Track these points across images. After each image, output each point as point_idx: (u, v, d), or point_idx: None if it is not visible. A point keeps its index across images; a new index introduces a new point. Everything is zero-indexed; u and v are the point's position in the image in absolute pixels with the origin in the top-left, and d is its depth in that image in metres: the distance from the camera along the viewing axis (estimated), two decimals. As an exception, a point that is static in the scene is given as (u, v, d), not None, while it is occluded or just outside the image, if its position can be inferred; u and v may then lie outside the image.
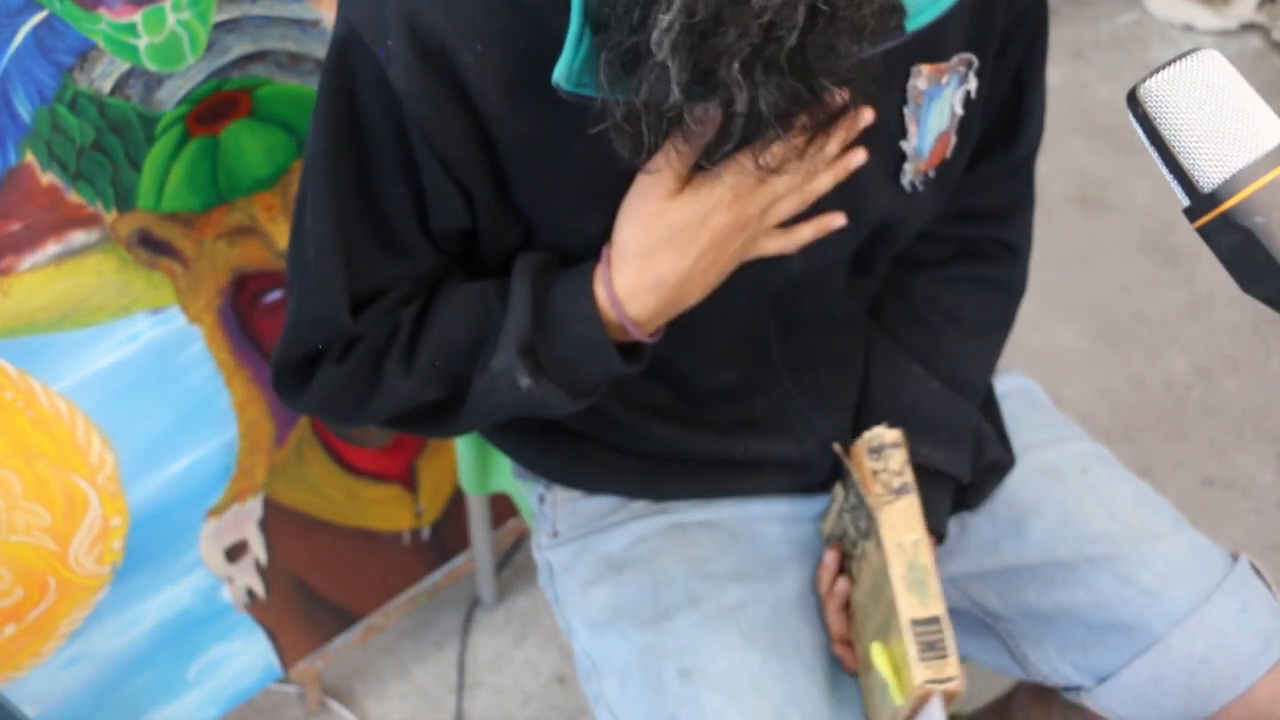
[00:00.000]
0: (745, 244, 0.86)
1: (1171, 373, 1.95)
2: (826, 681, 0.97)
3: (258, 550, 1.34)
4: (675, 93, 0.67)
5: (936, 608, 0.88)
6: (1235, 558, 1.00)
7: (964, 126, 0.92)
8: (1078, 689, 1.02)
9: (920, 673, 0.85)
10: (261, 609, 1.38)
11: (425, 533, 1.51)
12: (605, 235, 0.86)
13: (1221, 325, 2.02)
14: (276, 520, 1.34)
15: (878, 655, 0.91)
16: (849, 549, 1.00)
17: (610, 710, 1.00)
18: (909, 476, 0.94)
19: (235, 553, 1.33)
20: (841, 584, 0.99)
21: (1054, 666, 1.02)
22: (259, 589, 1.37)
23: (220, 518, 1.29)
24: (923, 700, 0.86)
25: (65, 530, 1.16)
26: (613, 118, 0.72)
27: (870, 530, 0.94)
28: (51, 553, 1.17)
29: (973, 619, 1.06)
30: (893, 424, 0.99)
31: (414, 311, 0.91)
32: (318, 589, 1.43)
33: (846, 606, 1.00)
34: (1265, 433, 1.86)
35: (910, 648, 0.86)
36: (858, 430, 1.07)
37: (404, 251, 0.88)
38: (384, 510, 1.45)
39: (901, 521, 0.92)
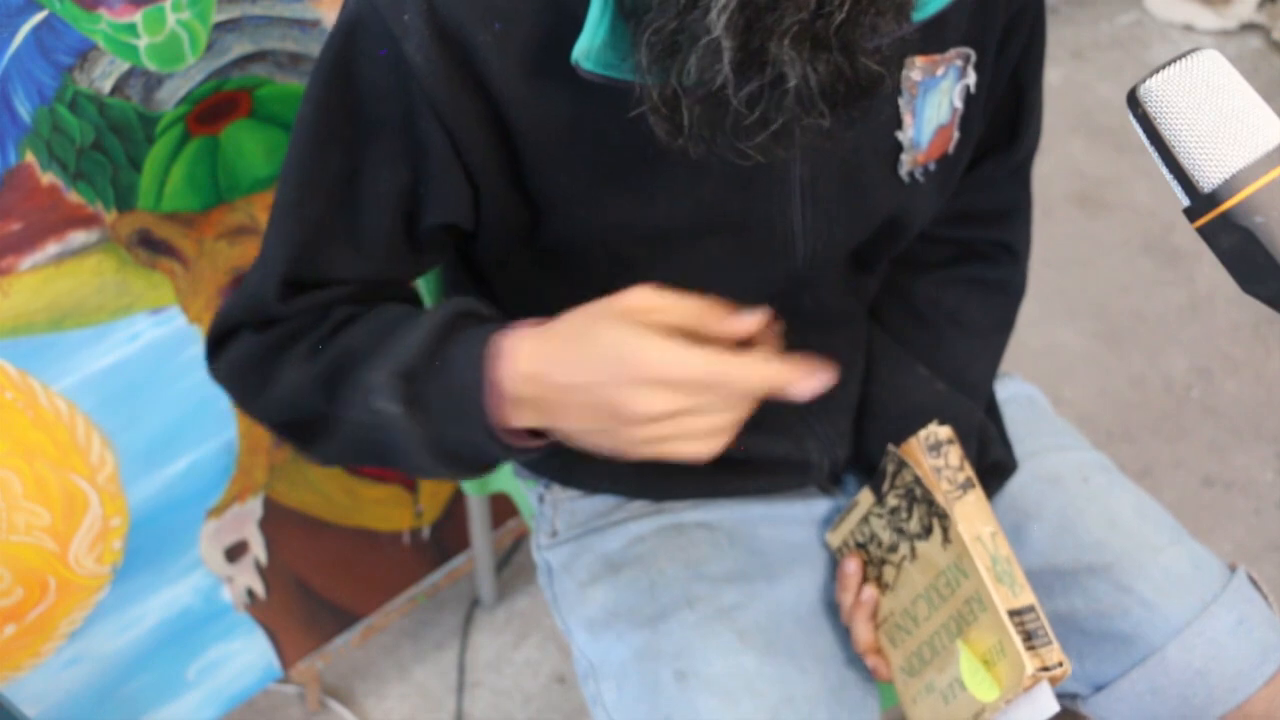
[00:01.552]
0: (624, 428, 0.74)
1: (1171, 373, 1.95)
2: (824, 685, 0.97)
3: (258, 550, 1.34)
4: (726, 71, 0.67)
5: (1028, 596, 0.88)
6: (1233, 569, 1.00)
7: (966, 122, 0.92)
8: (1074, 696, 1.02)
9: (1030, 662, 0.85)
10: (261, 609, 1.38)
11: (425, 533, 1.51)
12: (615, 221, 0.85)
13: (1221, 325, 2.02)
14: (276, 520, 1.34)
15: (966, 651, 0.90)
16: (879, 556, 0.99)
17: (607, 712, 1.00)
18: (970, 471, 0.93)
19: (235, 553, 1.33)
20: (869, 592, 0.99)
21: (1051, 673, 1.02)
22: (259, 589, 1.37)
23: (220, 518, 1.29)
24: (1027, 690, 0.86)
25: (65, 530, 1.16)
26: (650, 101, 0.71)
27: (929, 529, 0.93)
28: (51, 553, 1.17)
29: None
30: (899, 425, 0.99)
31: (346, 313, 0.86)
32: (318, 589, 1.43)
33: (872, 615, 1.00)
34: (1265, 433, 1.86)
35: (1015, 639, 0.85)
36: (861, 432, 1.06)
37: (363, 245, 0.84)
38: (384, 510, 1.45)
39: (975, 515, 0.91)
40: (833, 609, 1.03)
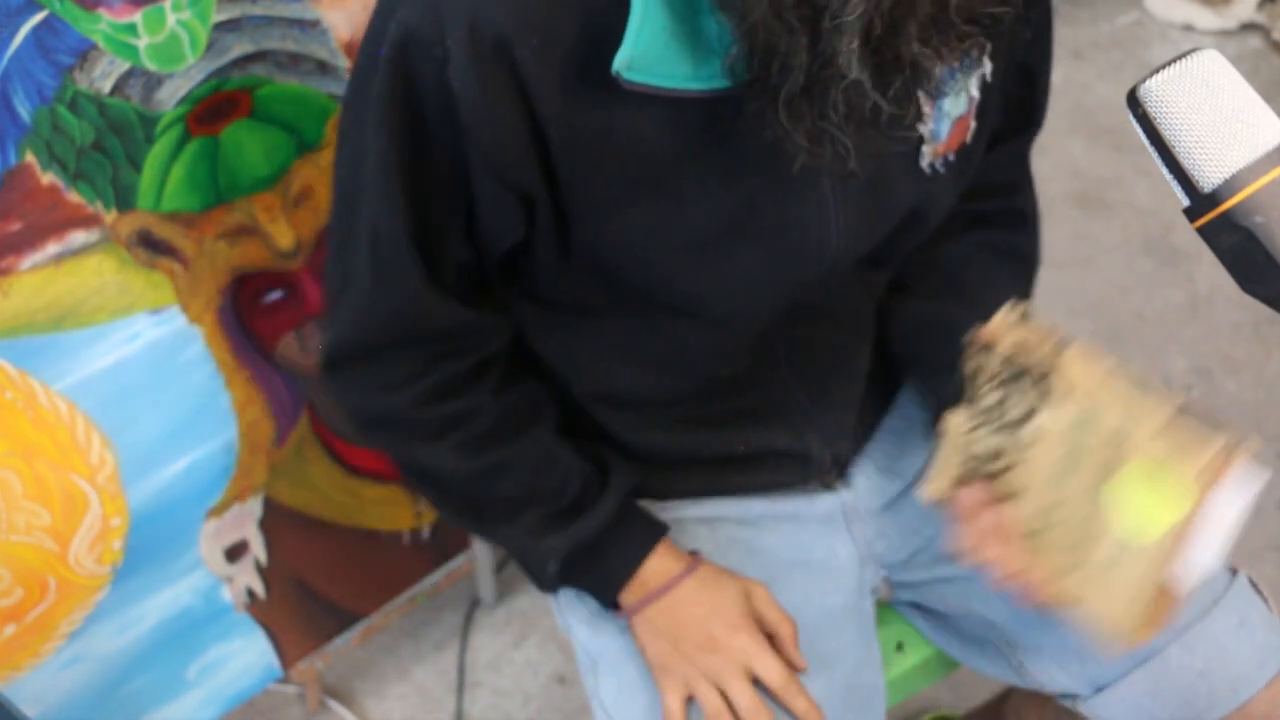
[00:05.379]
0: (697, 680, 0.95)
1: (1171, 373, 1.95)
2: (827, 687, 0.97)
3: (258, 550, 1.34)
4: (871, 99, 0.71)
5: (1177, 398, 0.80)
6: (1234, 572, 1.00)
7: (981, 111, 0.92)
8: (1074, 696, 1.02)
9: (1208, 444, 0.76)
10: (261, 609, 1.38)
11: (425, 533, 1.51)
12: (649, 229, 0.85)
13: (1221, 325, 2.02)
14: (276, 520, 1.34)
15: (1123, 491, 0.80)
16: (991, 472, 0.88)
17: (604, 707, 1.00)
18: (1061, 334, 0.85)
19: (235, 553, 1.33)
20: (990, 516, 0.88)
21: (1051, 675, 1.01)
22: (259, 589, 1.37)
23: (220, 518, 1.29)
24: (1218, 476, 0.77)
25: (65, 530, 1.16)
26: (799, 149, 0.74)
27: (1042, 397, 0.84)
28: (51, 553, 1.17)
29: (970, 627, 1.06)
30: (949, 386, 0.95)
31: (495, 409, 0.94)
32: (318, 589, 1.43)
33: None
34: (1265, 433, 1.86)
35: (1182, 433, 0.77)
36: (859, 429, 1.06)
37: (461, 267, 0.88)
38: (384, 510, 1.45)
39: (1087, 357, 0.83)
40: (835, 610, 1.03)
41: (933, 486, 0.92)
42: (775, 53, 0.70)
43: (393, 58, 0.79)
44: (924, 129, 0.88)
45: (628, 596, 0.98)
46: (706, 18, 0.74)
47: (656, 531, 0.99)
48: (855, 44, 0.68)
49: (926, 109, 0.87)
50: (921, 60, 0.71)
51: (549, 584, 1.00)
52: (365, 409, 0.96)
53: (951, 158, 0.92)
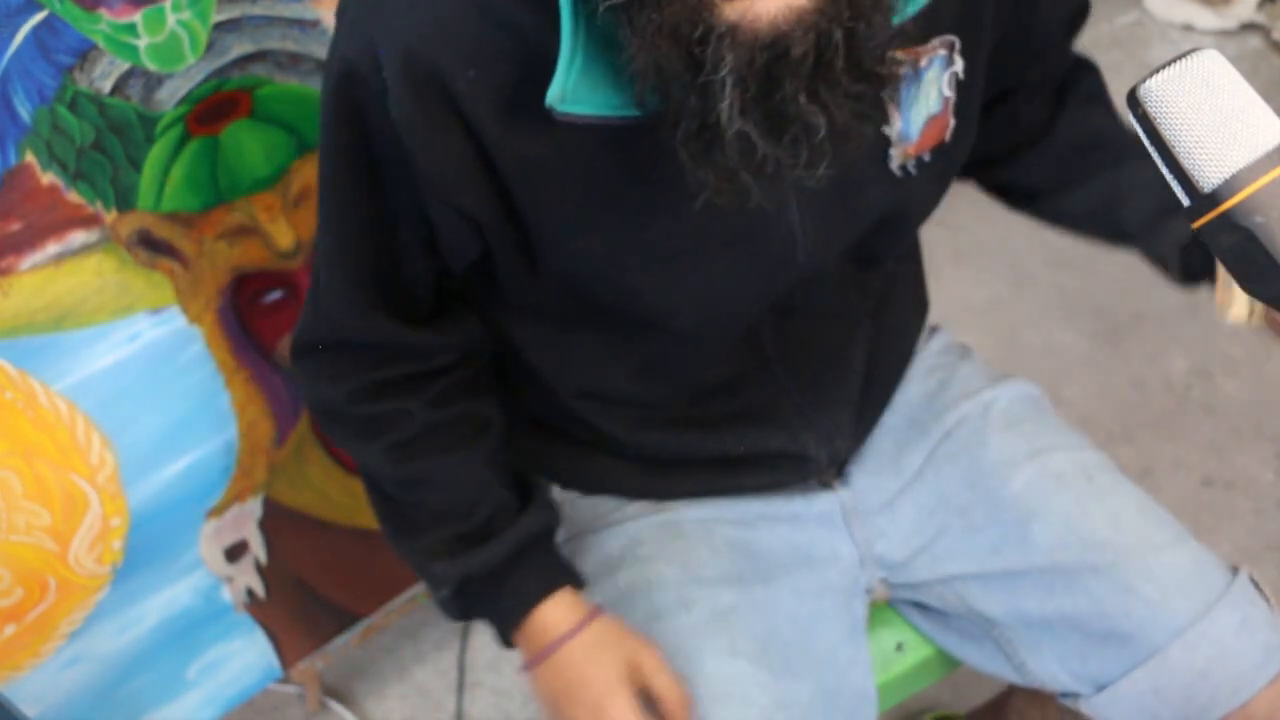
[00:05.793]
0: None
1: (1171, 373, 1.95)
2: (818, 689, 0.97)
3: (258, 550, 1.34)
4: (761, 148, 0.72)
5: None
6: (1235, 570, 1.00)
7: (962, 108, 0.92)
8: (1075, 695, 1.02)
9: None
10: (261, 609, 1.38)
11: (425, 533, 1.51)
12: (613, 248, 0.86)
13: (1221, 325, 2.01)
14: (276, 520, 1.34)
15: None
16: None
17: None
18: None
19: (235, 553, 1.33)
20: None
21: (1052, 674, 1.01)
22: (259, 589, 1.37)
23: (220, 518, 1.29)
24: None
25: (65, 530, 1.16)
26: (709, 186, 0.76)
27: None
28: (51, 553, 1.17)
29: (970, 625, 1.06)
30: (1177, 230, 0.95)
31: (422, 423, 0.95)
32: (318, 589, 1.43)
33: None
34: (1265, 433, 1.86)
35: None
36: (857, 427, 1.06)
37: (415, 290, 0.91)
38: (384, 510, 1.45)
39: None
40: (828, 611, 1.03)
41: (1235, 308, 0.86)
42: (668, 99, 0.72)
43: (336, 89, 0.81)
44: (890, 131, 0.88)
45: (523, 643, 0.98)
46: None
47: (558, 579, 0.98)
48: (732, 99, 0.69)
49: (891, 110, 0.87)
50: (808, 116, 0.71)
51: (445, 608, 1.00)
52: (313, 397, 0.99)
53: (927, 158, 0.91)
